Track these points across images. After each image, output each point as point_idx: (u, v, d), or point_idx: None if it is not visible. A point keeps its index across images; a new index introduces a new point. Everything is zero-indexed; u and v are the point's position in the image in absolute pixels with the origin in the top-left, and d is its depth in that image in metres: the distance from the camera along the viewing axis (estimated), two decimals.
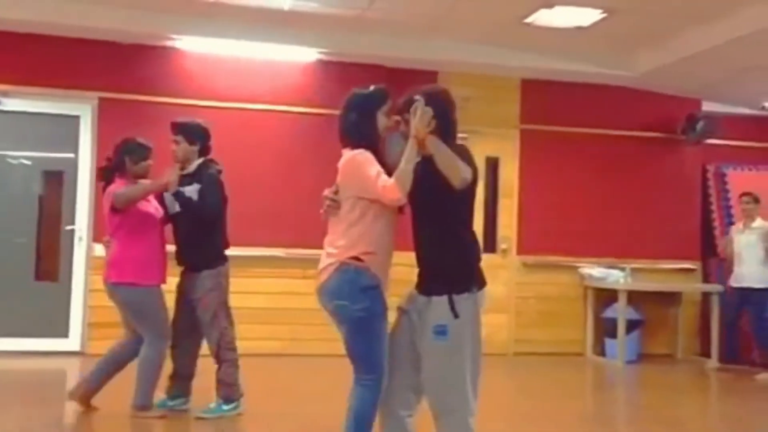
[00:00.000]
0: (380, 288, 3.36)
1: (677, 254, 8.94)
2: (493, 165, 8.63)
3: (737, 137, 9.29)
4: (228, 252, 5.16)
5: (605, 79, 8.54)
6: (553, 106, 8.68)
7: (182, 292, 5.10)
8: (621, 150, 8.91)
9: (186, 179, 5.01)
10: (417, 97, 3.18)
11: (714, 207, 9.08)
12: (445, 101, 3.31)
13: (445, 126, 3.23)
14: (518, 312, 8.58)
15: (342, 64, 8.08)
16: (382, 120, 3.47)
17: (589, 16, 6.99)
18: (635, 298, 8.30)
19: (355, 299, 3.30)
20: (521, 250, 8.60)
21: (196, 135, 5.07)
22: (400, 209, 3.40)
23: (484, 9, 7.01)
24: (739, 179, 8.96)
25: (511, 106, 8.65)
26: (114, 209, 4.89)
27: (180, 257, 5.11)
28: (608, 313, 8.38)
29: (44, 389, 6.04)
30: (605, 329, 8.45)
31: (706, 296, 8.81)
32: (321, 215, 3.45)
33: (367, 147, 3.40)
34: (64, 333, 7.50)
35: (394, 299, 3.39)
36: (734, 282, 8.07)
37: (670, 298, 8.81)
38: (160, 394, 5.03)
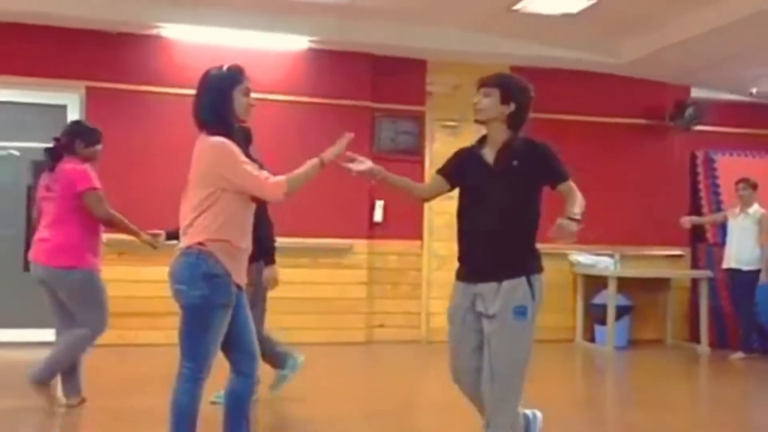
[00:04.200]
0: (225, 278, 3.22)
1: (666, 240, 8.98)
2: None
3: (726, 123, 9.32)
4: None
5: (594, 66, 8.55)
6: (542, 93, 8.44)
7: None
8: (610, 137, 8.94)
9: None
10: (569, 220, 3.27)
11: (703, 193, 9.11)
12: (527, 99, 3.49)
13: (519, 121, 3.44)
14: None
15: (332, 53, 8.06)
16: (239, 100, 3.35)
17: (577, 3, 6.98)
18: (625, 284, 8.34)
19: (193, 285, 3.18)
20: None
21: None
22: (255, 198, 3.33)
23: None
24: (728, 165, 8.99)
25: None
26: (76, 195, 4.77)
27: None
28: (598, 299, 8.42)
29: None
30: (595, 316, 8.49)
31: (695, 282, 8.85)
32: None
33: (224, 130, 3.29)
34: (53, 324, 7.46)
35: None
36: (725, 264, 8.14)
37: (660, 284, 8.85)
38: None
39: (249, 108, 3.41)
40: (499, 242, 3.32)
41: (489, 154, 3.44)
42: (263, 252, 4.89)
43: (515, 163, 3.37)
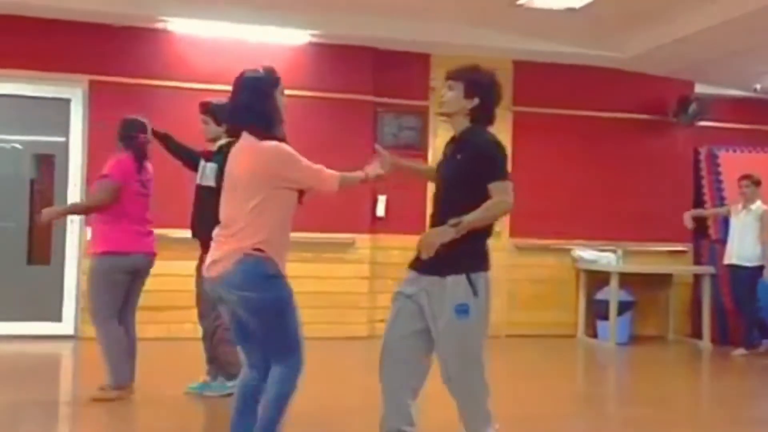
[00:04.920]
0: (282, 276, 3.36)
1: (669, 236, 8.96)
2: None
3: (729, 119, 9.30)
4: None
5: (597, 61, 8.53)
6: (545, 88, 8.67)
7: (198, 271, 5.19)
8: (614, 132, 8.92)
9: (210, 157, 5.10)
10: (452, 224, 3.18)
11: (706, 189, 9.09)
12: (492, 94, 3.43)
13: (483, 116, 3.39)
14: (511, 294, 8.60)
15: (333, 47, 8.05)
16: (281, 100, 3.47)
17: None
18: (627, 280, 8.34)
19: (263, 289, 3.27)
20: (514, 233, 8.61)
21: (223, 115, 5.09)
22: (300, 197, 3.41)
23: None
24: (731, 161, 8.97)
25: (504, 88, 8.60)
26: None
27: (194, 232, 5.18)
28: (600, 295, 8.42)
29: (38, 373, 6.05)
30: (597, 311, 8.49)
31: (697, 278, 8.85)
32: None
33: (272, 132, 3.37)
34: (57, 317, 7.50)
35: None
36: (726, 259, 8.13)
37: (662, 280, 8.85)
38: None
39: (285, 106, 3.52)
40: None
41: (449, 150, 3.44)
42: None
43: (459, 156, 3.33)
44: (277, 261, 3.32)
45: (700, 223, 8.94)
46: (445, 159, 3.44)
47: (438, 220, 3.28)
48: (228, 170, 3.43)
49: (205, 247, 5.09)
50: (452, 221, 3.16)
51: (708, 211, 8.75)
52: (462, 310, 3.21)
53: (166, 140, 5.36)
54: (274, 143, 3.34)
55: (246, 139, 3.38)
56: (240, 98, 3.42)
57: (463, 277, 3.23)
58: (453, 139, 3.44)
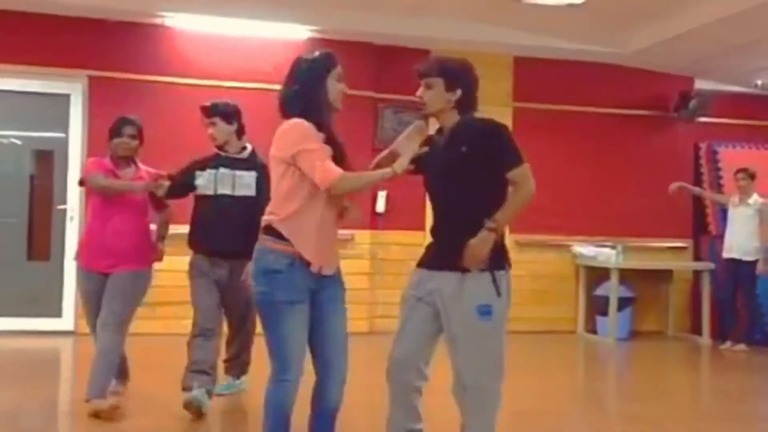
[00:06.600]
0: (281, 271, 3.03)
1: (669, 232, 8.97)
2: None
3: (729, 115, 9.30)
4: None
5: (598, 57, 8.52)
6: (546, 83, 8.66)
7: (222, 277, 4.82)
8: (614, 128, 8.92)
9: (240, 164, 4.80)
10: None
11: (706, 185, 9.09)
12: (471, 80, 3.23)
13: (469, 104, 3.22)
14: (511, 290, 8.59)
15: (333, 42, 8.02)
16: (333, 86, 3.18)
17: None
18: (627, 276, 8.34)
19: (256, 281, 3.09)
20: (514, 228, 8.57)
21: (232, 115, 4.83)
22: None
23: None
24: (731, 157, 8.97)
25: (504, 83, 8.62)
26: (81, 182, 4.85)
27: (226, 243, 4.72)
28: (600, 290, 8.43)
29: (38, 369, 6.05)
30: (597, 307, 8.50)
31: (697, 274, 8.86)
32: None
33: (314, 117, 3.12)
34: (57, 312, 7.51)
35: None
36: (726, 253, 8.14)
37: (662, 275, 8.85)
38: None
39: (341, 94, 3.23)
40: (458, 234, 3.03)
41: (442, 142, 3.24)
42: None
43: (464, 149, 3.10)
44: (294, 247, 3.03)
45: (701, 218, 8.93)
46: (436, 152, 3.19)
47: (451, 219, 3.11)
48: None
49: (228, 259, 4.75)
50: (489, 224, 2.97)
51: (707, 192, 8.72)
52: (485, 312, 3.00)
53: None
54: (292, 120, 3.10)
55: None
56: (290, 85, 3.21)
57: (486, 275, 3.03)
58: (443, 131, 3.24)
